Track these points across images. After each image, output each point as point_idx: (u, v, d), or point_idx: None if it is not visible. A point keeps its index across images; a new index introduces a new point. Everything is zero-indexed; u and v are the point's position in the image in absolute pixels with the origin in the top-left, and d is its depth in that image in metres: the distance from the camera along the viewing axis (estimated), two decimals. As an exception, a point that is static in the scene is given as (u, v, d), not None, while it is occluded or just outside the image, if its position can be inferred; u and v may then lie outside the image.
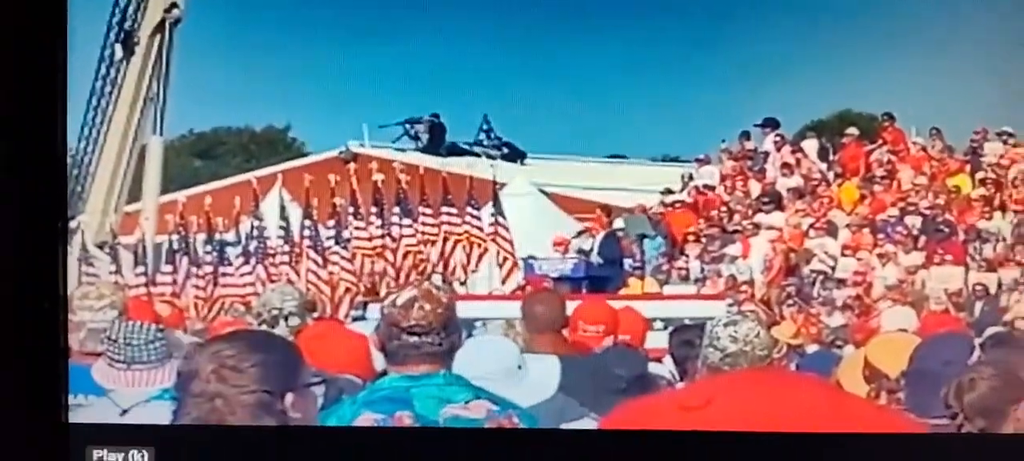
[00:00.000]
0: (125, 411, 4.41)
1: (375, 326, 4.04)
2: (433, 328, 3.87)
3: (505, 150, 14.85)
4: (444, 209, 12.79)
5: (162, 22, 11.67)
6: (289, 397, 3.49)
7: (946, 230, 13.11)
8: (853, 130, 14.67)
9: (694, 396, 4.25)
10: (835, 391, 4.68)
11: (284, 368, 3.53)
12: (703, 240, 13.93)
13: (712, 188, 14.98)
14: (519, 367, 4.52)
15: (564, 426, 4.51)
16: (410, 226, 12.70)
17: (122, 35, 11.72)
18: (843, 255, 13.34)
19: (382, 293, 10.53)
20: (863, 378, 4.80)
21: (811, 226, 13.80)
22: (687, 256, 13.77)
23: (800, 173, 14.72)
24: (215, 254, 12.20)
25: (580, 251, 13.41)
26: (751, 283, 13.07)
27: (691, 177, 15.22)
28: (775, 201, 14.27)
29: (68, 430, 4.62)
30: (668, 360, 5.92)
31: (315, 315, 6.49)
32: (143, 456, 4.30)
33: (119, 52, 11.72)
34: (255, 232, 12.39)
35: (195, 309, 11.69)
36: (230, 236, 12.41)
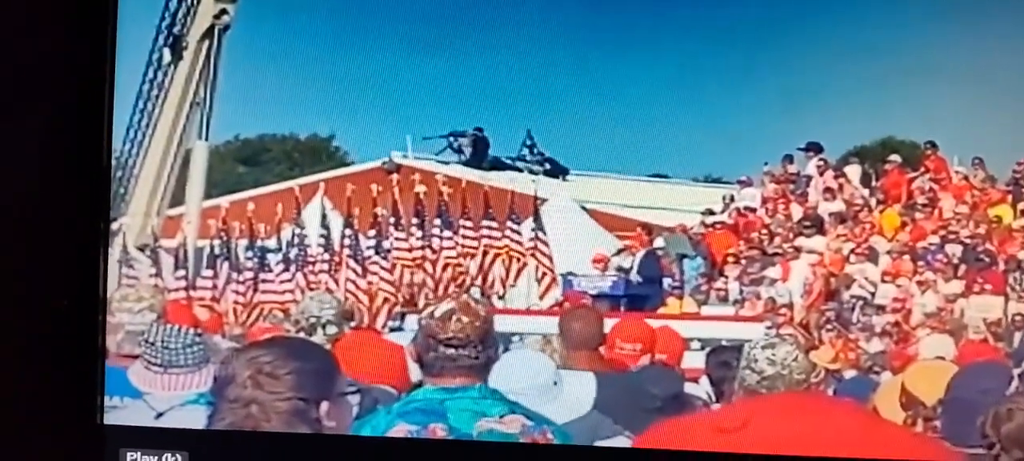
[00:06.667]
0: (160, 414, 4.43)
1: (412, 337, 4.05)
2: (470, 341, 3.87)
3: (547, 166, 14.76)
4: (485, 223, 12.76)
5: (211, 28, 11.67)
6: (324, 405, 3.50)
7: (986, 260, 13.02)
8: (896, 157, 14.55)
9: (730, 418, 4.24)
10: (872, 417, 4.66)
11: (320, 376, 3.54)
12: (743, 262, 13.85)
13: (753, 210, 14.89)
14: (555, 383, 4.52)
15: (598, 443, 4.51)
16: (450, 238, 12.68)
17: (170, 39, 11.73)
18: (883, 281, 13.25)
19: (420, 304, 10.51)
20: (900, 405, 4.78)
21: (852, 251, 13.73)
22: (726, 277, 13.71)
23: (842, 198, 14.63)
24: (256, 260, 12.21)
25: (619, 269, 13.34)
26: (790, 306, 12.99)
27: (732, 198, 15.15)
28: (816, 225, 14.18)
29: (103, 432, 4.64)
30: (704, 381, 5.90)
31: (353, 324, 6.50)
32: (177, 460, 4.33)
33: (167, 56, 11.73)
34: (296, 239, 12.40)
35: (234, 314, 11.70)
36: (271, 243, 12.41)
